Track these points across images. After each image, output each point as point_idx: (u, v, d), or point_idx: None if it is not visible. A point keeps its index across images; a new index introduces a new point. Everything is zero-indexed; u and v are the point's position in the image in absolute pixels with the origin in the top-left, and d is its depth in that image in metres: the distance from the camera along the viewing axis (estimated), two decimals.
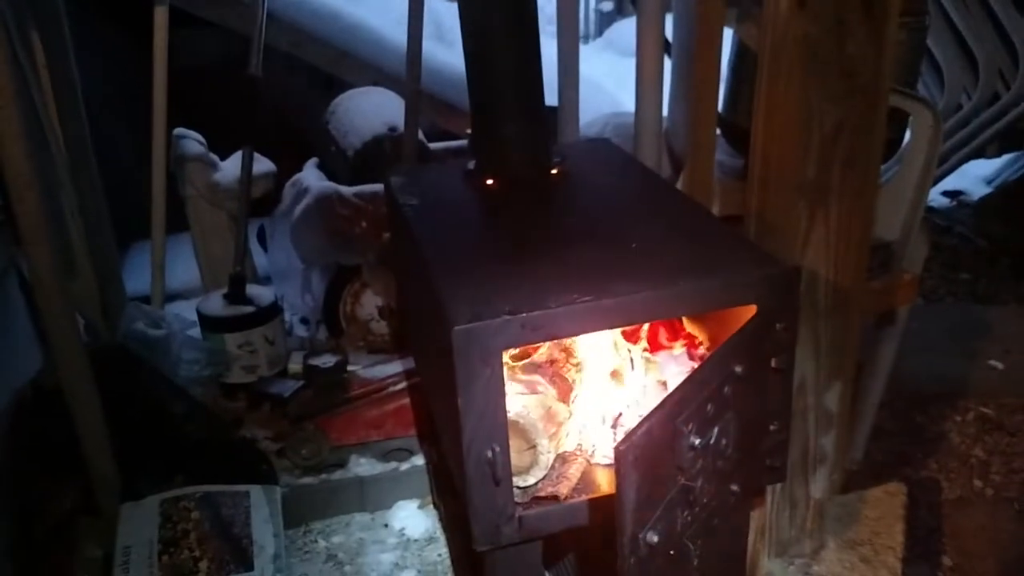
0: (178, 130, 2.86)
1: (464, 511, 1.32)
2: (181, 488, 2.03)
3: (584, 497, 1.36)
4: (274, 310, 2.55)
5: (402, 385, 2.44)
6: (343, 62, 3.63)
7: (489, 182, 1.73)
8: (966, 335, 3.09)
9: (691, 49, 2.13)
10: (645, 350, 1.60)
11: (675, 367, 1.57)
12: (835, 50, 1.58)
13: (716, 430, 1.21)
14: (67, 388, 1.96)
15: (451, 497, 2.12)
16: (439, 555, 2.16)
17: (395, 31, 3.50)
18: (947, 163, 3.99)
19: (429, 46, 2.59)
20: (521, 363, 1.54)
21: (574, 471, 1.40)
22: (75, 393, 1.96)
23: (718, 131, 2.26)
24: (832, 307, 1.76)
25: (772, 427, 1.39)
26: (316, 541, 2.22)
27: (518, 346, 1.38)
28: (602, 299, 1.24)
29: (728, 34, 2.19)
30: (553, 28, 2.54)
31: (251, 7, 2.49)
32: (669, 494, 1.14)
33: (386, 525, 2.26)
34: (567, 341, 1.54)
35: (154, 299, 2.83)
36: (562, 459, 1.43)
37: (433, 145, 2.89)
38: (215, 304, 2.53)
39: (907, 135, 2.19)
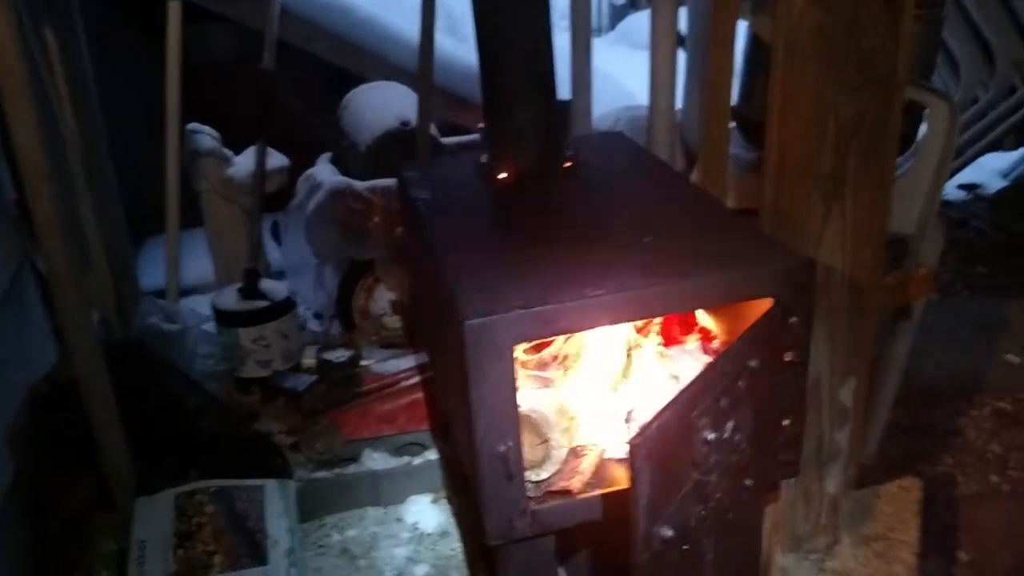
0: (192, 125, 2.86)
1: (477, 505, 1.32)
2: (195, 482, 2.04)
3: (597, 491, 1.36)
4: (288, 305, 2.55)
5: (415, 379, 2.44)
6: (355, 57, 3.64)
7: (501, 176, 1.72)
8: (982, 329, 3.06)
9: (705, 42, 2.12)
10: (658, 343, 1.59)
11: (688, 361, 1.56)
12: (850, 42, 1.57)
13: (730, 424, 1.20)
14: (82, 383, 1.96)
15: (464, 491, 2.12)
16: (452, 549, 2.16)
17: (407, 25, 3.49)
18: (963, 156, 3.96)
19: (441, 40, 2.59)
20: (533, 357, 1.54)
21: (587, 465, 1.40)
22: (90, 388, 1.97)
23: (732, 124, 2.25)
24: (847, 301, 1.75)
25: (786, 421, 1.38)
26: (330, 535, 2.22)
27: (531, 340, 1.38)
28: (615, 293, 1.24)
29: (742, 26, 2.17)
30: (566, 22, 2.54)
31: (264, 2, 2.49)
32: (683, 489, 1.14)
33: (399, 519, 2.26)
34: (579, 334, 1.54)
35: (169, 294, 2.83)
36: (574, 453, 1.43)
37: (445, 139, 2.89)
38: (229, 299, 2.54)
39: (922, 128, 2.17)
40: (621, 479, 1.39)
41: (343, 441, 2.30)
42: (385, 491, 2.29)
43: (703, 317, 1.63)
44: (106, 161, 2.65)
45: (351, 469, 2.28)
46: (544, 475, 1.37)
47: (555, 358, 1.54)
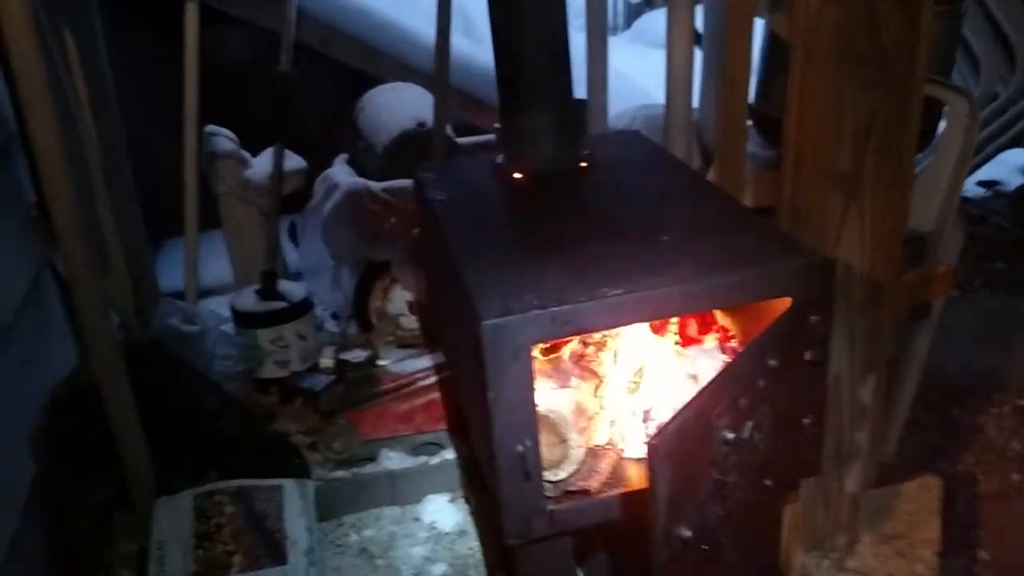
0: (209, 127, 2.88)
1: (495, 505, 1.32)
2: (215, 483, 2.05)
3: (615, 491, 1.36)
4: (305, 305, 2.56)
5: (432, 379, 2.44)
6: (372, 58, 3.64)
7: (518, 176, 1.72)
8: (1002, 326, 3.04)
9: (722, 40, 2.11)
10: (676, 343, 1.59)
11: (706, 360, 1.56)
12: (868, 39, 1.56)
13: (750, 424, 1.20)
14: (101, 384, 1.98)
15: (482, 490, 2.12)
16: (470, 548, 2.16)
17: (423, 26, 3.50)
18: (983, 152, 3.93)
19: (457, 40, 2.59)
20: (550, 357, 1.54)
21: (605, 465, 1.40)
22: (109, 389, 1.99)
23: (749, 122, 2.24)
24: (866, 299, 1.74)
25: (806, 421, 1.37)
26: (348, 535, 2.23)
27: (548, 340, 1.38)
28: (633, 292, 1.24)
29: (758, 24, 2.16)
30: (581, 21, 2.53)
31: (281, 4, 2.50)
32: (702, 489, 1.13)
33: (417, 519, 2.27)
34: (597, 334, 1.54)
35: (188, 295, 2.85)
36: (592, 453, 1.43)
37: (461, 139, 2.89)
38: (248, 300, 2.55)
39: (941, 125, 2.15)
40: (639, 479, 1.39)
41: (360, 441, 2.31)
42: (402, 490, 2.30)
43: (721, 316, 1.62)
44: (125, 163, 2.67)
45: (368, 469, 2.29)
46: (562, 475, 1.37)
47: (572, 357, 1.54)
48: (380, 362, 2.51)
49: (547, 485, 1.34)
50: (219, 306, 2.74)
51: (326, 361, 2.57)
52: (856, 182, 1.65)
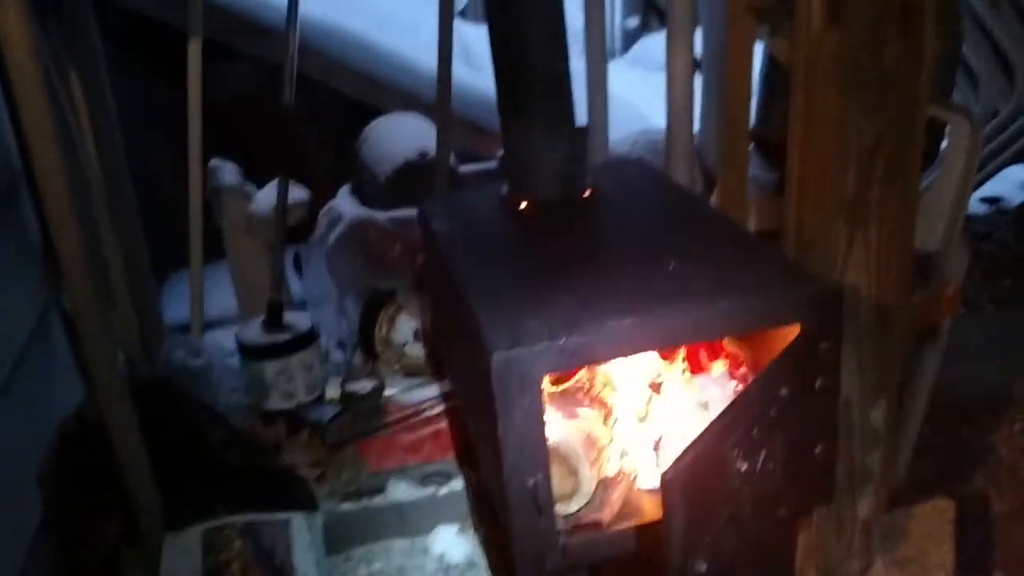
0: (214, 161, 2.89)
1: (506, 539, 1.31)
2: (223, 517, 2.04)
3: (628, 524, 1.35)
4: (311, 336, 2.56)
5: (439, 408, 2.43)
6: (374, 89, 3.66)
7: (523, 205, 1.72)
8: (1010, 343, 3.03)
9: (721, 65, 2.12)
10: (685, 370, 1.58)
11: (715, 388, 1.55)
12: (871, 63, 1.56)
13: (763, 454, 1.19)
14: (108, 420, 1.97)
15: (491, 521, 2.11)
16: None
17: (424, 56, 3.52)
18: (985, 169, 3.93)
19: (458, 69, 2.60)
20: (559, 387, 1.53)
21: (617, 497, 1.39)
22: (116, 425, 1.98)
23: (750, 145, 2.24)
24: (875, 323, 1.73)
25: (818, 449, 1.36)
26: (357, 569, 2.21)
27: (558, 371, 1.37)
28: (643, 322, 1.23)
29: (757, 47, 2.17)
30: (580, 46, 2.54)
31: (283, 38, 2.51)
32: (717, 522, 1.12)
33: (426, 550, 2.25)
34: (606, 364, 1.53)
35: (193, 328, 2.85)
36: (604, 485, 1.42)
37: (463, 167, 2.90)
38: (253, 332, 2.54)
39: (943, 144, 2.15)
40: (652, 510, 1.37)
41: (368, 472, 2.30)
42: (411, 522, 2.28)
43: (729, 342, 1.62)
44: (130, 198, 2.68)
45: (377, 500, 2.27)
46: (574, 508, 1.36)
47: (581, 387, 1.53)
48: (387, 392, 2.50)
49: (559, 518, 1.33)
50: (224, 338, 2.73)
51: (332, 392, 2.56)
52: (862, 206, 1.65)
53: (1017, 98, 3.93)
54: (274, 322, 2.54)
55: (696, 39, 2.37)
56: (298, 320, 2.59)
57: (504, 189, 1.77)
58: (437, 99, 2.57)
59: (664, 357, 1.57)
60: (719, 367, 1.58)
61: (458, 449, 2.35)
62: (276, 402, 2.50)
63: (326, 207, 2.89)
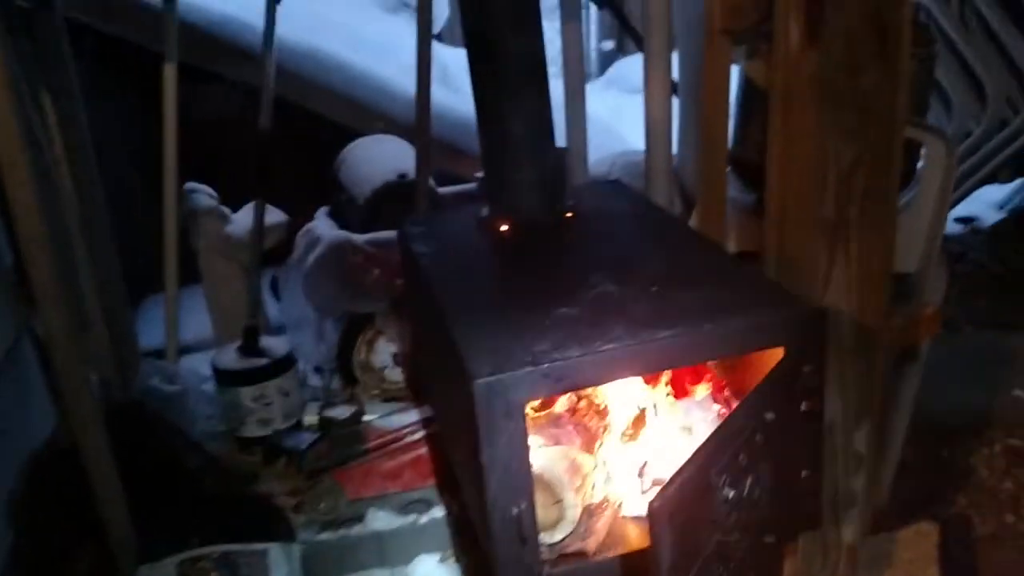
0: (189, 184, 2.86)
1: (489, 569, 1.28)
2: (199, 548, 2.00)
3: (613, 553, 1.33)
4: (288, 361, 2.53)
5: (419, 434, 2.40)
6: (351, 110, 3.65)
7: (503, 228, 1.71)
8: (988, 364, 3.03)
9: (698, 88, 2.12)
10: (668, 394, 1.57)
11: (699, 412, 1.54)
12: (849, 85, 1.56)
13: (750, 480, 1.18)
14: (82, 447, 1.93)
15: (474, 551, 2.08)
16: None
17: (400, 79, 3.52)
18: (959, 189, 3.97)
19: (434, 90, 2.60)
20: (542, 413, 1.51)
21: (602, 525, 1.37)
22: (90, 452, 1.94)
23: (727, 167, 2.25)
24: (857, 345, 1.73)
25: (804, 473, 1.35)
26: None
27: (541, 397, 1.36)
28: (627, 347, 1.22)
29: (735, 68, 2.18)
30: (556, 68, 2.54)
31: (260, 61, 2.50)
32: (705, 550, 1.11)
33: None
34: (589, 389, 1.52)
35: (168, 353, 2.81)
36: (588, 512, 1.40)
37: (442, 189, 2.89)
38: (229, 357, 2.51)
39: (919, 165, 2.17)
40: (637, 538, 1.36)
41: (347, 501, 2.26)
42: (391, 551, 2.24)
43: (712, 365, 1.61)
44: (104, 223, 2.64)
45: (356, 530, 2.23)
46: (558, 536, 1.34)
47: (565, 412, 1.52)
48: (366, 417, 2.47)
49: (543, 548, 1.31)
50: (200, 363, 2.70)
51: (310, 418, 2.53)
52: (842, 226, 1.65)
53: (988, 119, 3.98)
54: (250, 347, 2.51)
55: (673, 61, 2.38)
56: (275, 345, 2.56)
57: (484, 211, 1.76)
58: (416, 121, 2.56)
59: (648, 381, 1.55)
60: (702, 391, 1.57)
61: (439, 476, 2.32)
62: (253, 429, 2.47)
63: (304, 229, 2.87)
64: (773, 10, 1.62)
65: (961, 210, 4.35)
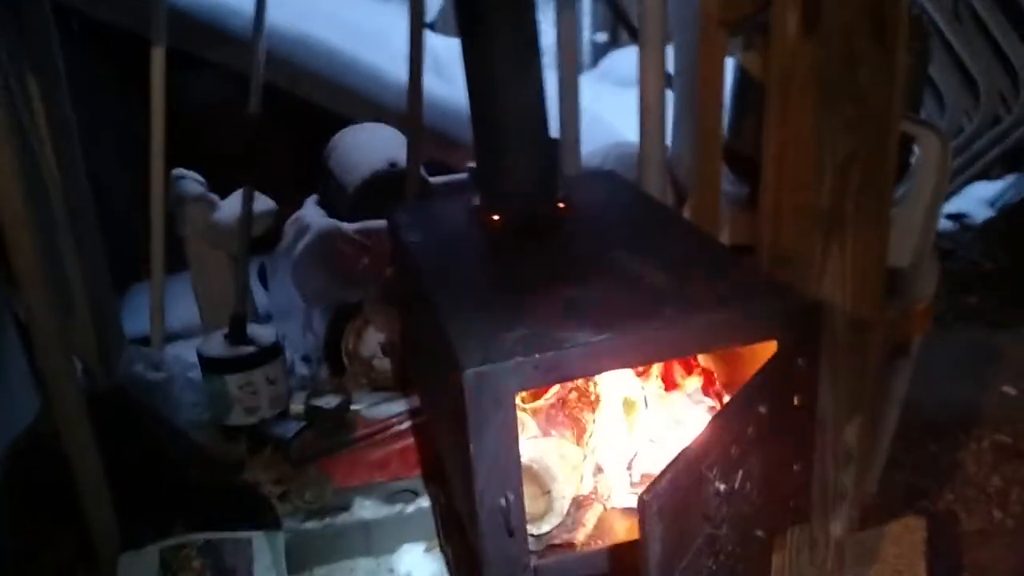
0: (177, 170, 2.83)
1: (476, 560, 1.27)
2: (181, 536, 1.98)
3: (602, 544, 1.32)
4: (275, 350, 2.50)
5: (406, 424, 2.39)
6: (341, 97, 3.62)
7: (495, 218, 1.69)
8: (977, 361, 3.04)
9: (693, 80, 2.11)
10: (659, 387, 1.56)
11: (690, 404, 1.53)
12: (846, 78, 1.55)
13: (741, 474, 1.16)
14: (64, 434, 1.91)
15: (460, 541, 2.06)
16: None
17: (392, 67, 3.49)
18: (950, 185, 3.97)
19: (427, 79, 2.58)
20: (532, 404, 1.50)
21: (590, 517, 1.36)
22: (72, 439, 1.91)
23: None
24: (850, 338, 1.72)
25: (795, 467, 1.34)
26: None
27: (532, 388, 1.34)
28: (618, 338, 1.21)
29: (730, 60, 2.17)
30: (548, 59, 2.52)
31: (249, 46, 2.47)
32: (694, 544, 1.09)
33: (392, 570, 2.20)
34: (579, 380, 1.50)
35: (154, 340, 2.78)
36: (577, 504, 1.38)
37: (433, 179, 2.87)
38: (215, 345, 2.48)
39: (912, 159, 2.16)
40: (626, 530, 1.34)
41: (333, 489, 2.25)
42: (377, 541, 2.23)
43: (703, 358, 1.60)
44: (89, 207, 2.61)
45: (341, 519, 2.21)
46: (546, 528, 1.33)
47: (554, 404, 1.50)
48: (353, 407, 2.45)
49: (531, 539, 1.30)
50: (186, 351, 2.67)
51: (297, 406, 2.51)
52: (837, 220, 1.64)
53: (980, 116, 3.98)
54: (237, 335, 2.49)
55: (668, 54, 2.36)
56: (262, 333, 2.54)
57: (475, 200, 1.74)
58: (408, 110, 2.54)
59: (639, 373, 1.54)
60: (693, 383, 1.56)
61: (426, 466, 2.31)
62: (239, 417, 2.44)
63: (292, 217, 2.85)
64: (770, 1, 1.61)
65: (952, 207, 4.35)
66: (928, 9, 3.90)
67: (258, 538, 2.01)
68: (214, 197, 2.85)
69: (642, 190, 2.21)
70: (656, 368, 1.56)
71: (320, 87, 3.61)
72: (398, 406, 2.46)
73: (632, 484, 1.44)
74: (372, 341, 2.73)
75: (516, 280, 1.49)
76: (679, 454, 1.06)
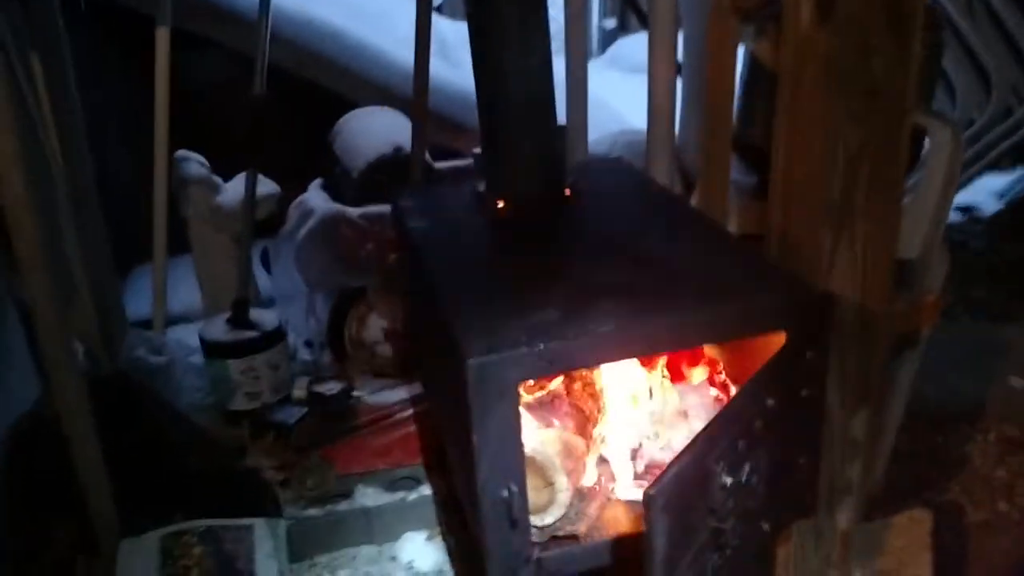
0: (180, 152, 2.81)
1: (478, 550, 1.26)
2: (182, 523, 1.97)
3: (605, 536, 1.30)
4: (278, 334, 2.49)
5: (409, 412, 2.38)
6: (346, 80, 3.59)
7: (500, 204, 1.67)
8: (984, 353, 3.02)
9: (703, 68, 2.08)
10: (664, 377, 1.54)
11: (695, 396, 1.51)
12: (859, 67, 1.53)
13: (747, 467, 1.15)
14: (65, 419, 1.90)
15: (462, 530, 2.05)
16: None
17: (398, 50, 3.46)
18: (960, 177, 3.94)
19: (433, 63, 2.55)
20: (536, 395, 1.48)
21: (593, 508, 1.34)
22: (73, 424, 1.90)
23: None
24: (858, 330, 1.70)
25: (802, 460, 1.33)
26: None
27: (535, 378, 1.33)
28: (624, 328, 1.19)
29: (740, 49, 2.14)
30: (557, 44, 2.50)
31: (254, 27, 2.44)
32: (699, 538, 1.08)
33: (394, 558, 2.19)
34: (584, 371, 1.48)
35: (155, 324, 2.77)
36: (580, 495, 1.37)
37: (438, 164, 2.85)
38: (218, 329, 2.47)
39: (923, 151, 2.13)
40: (629, 522, 1.33)
41: (335, 477, 2.24)
42: (379, 528, 2.22)
43: (708, 348, 1.58)
44: (91, 189, 2.59)
45: (343, 506, 2.21)
46: (549, 520, 1.32)
47: (558, 395, 1.48)
48: (355, 393, 2.44)
49: (534, 531, 1.28)
50: (188, 335, 2.66)
51: (299, 392, 2.50)
52: (847, 211, 1.61)
53: (992, 108, 3.94)
54: (240, 319, 2.48)
55: (678, 41, 2.34)
56: (265, 318, 2.53)
57: (481, 186, 1.72)
58: (414, 93, 2.52)
59: (644, 364, 1.52)
60: (699, 374, 1.54)
61: (428, 453, 2.30)
62: (240, 402, 2.44)
63: (296, 201, 2.83)
64: None
65: (961, 199, 4.32)
66: (942, 1, 3.86)
67: (259, 525, 2.00)
68: (217, 179, 2.83)
69: (649, 177, 2.19)
70: (661, 359, 1.54)
71: (325, 69, 3.58)
72: (400, 393, 2.45)
73: (636, 475, 1.42)
74: (375, 327, 2.71)
75: (521, 268, 1.47)
76: (685, 448, 1.04)
